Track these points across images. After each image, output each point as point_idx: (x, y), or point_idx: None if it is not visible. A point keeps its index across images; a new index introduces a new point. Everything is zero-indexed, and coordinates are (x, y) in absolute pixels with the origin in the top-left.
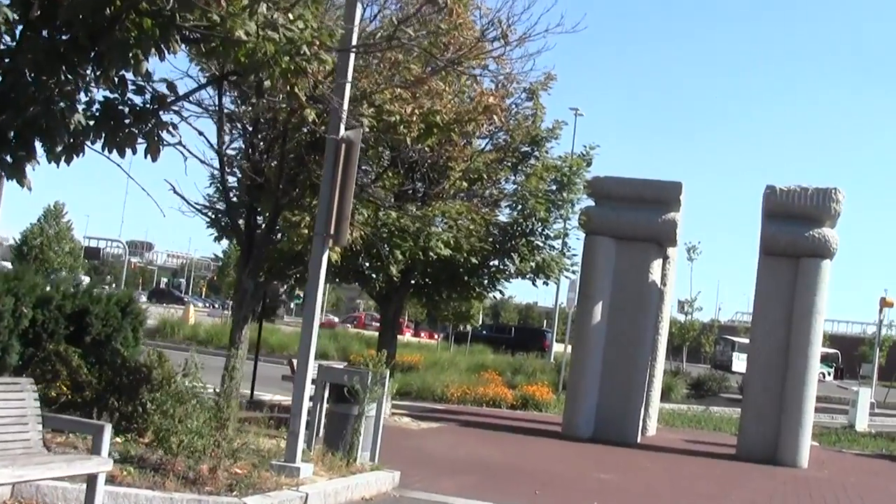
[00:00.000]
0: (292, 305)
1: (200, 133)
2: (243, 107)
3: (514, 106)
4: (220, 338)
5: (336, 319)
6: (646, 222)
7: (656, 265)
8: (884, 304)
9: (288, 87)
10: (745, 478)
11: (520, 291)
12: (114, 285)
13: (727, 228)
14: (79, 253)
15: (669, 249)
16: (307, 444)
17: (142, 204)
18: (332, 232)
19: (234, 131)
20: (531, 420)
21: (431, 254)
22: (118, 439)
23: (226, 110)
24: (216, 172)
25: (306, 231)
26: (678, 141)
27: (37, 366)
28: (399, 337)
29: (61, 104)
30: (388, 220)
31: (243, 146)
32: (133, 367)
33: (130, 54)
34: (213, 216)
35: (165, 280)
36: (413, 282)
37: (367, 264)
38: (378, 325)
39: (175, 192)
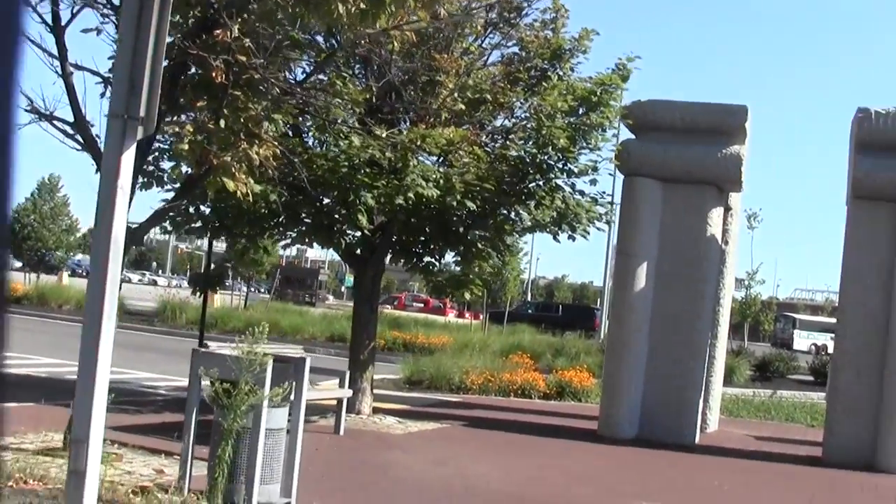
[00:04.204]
0: (343, 288)
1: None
2: None
3: (524, 3)
4: (227, 320)
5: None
6: (701, 158)
7: (715, 215)
8: None
9: None
10: (843, 498)
11: (574, 270)
12: (160, 272)
13: (784, 195)
14: (77, 230)
15: (732, 197)
16: (181, 473)
17: None
18: (140, 113)
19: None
20: (564, 414)
21: (412, 195)
22: None
23: None
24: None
25: (187, 147)
26: (727, 73)
27: None
28: (441, 318)
29: None
30: (350, 148)
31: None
32: None
33: None
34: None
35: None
36: (395, 238)
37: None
38: (417, 304)
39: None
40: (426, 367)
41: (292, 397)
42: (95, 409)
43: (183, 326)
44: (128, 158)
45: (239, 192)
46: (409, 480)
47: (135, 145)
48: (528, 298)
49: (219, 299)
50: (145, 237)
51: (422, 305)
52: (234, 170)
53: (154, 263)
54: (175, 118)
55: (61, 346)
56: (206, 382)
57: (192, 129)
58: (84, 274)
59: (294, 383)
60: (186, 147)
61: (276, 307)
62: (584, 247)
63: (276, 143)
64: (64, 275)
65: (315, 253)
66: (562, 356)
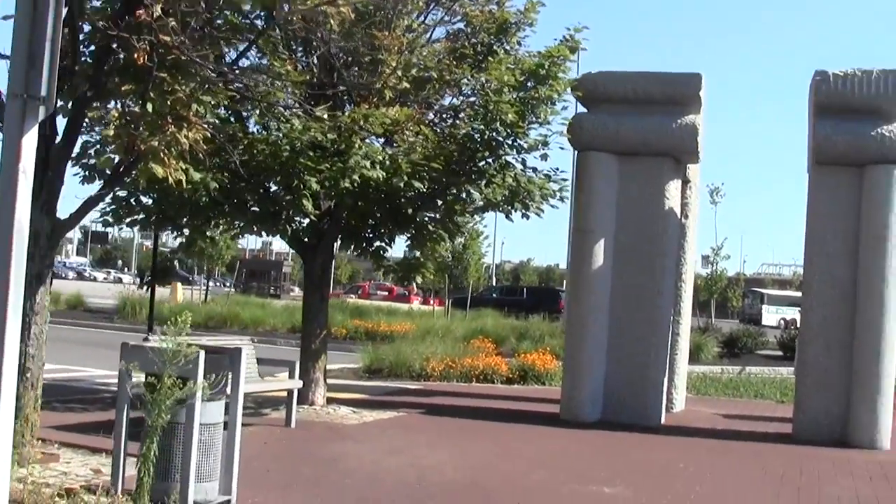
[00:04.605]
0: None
1: None
2: None
3: None
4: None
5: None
6: (656, 130)
7: (673, 189)
8: None
9: None
10: (815, 476)
11: (539, 253)
12: (126, 270)
13: (746, 169)
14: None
15: (690, 169)
16: (113, 473)
17: None
18: (41, 92)
19: None
20: (527, 398)
21: (356, 177)
22: None
23: None
24: None
25: (112, 133)
26: (682, 43)
27: None
28: (406, 305)
29: None
30: (291, 132)
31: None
32: None
33: None
34: None
35: (177, 260)
36: (343, 223)
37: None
38: (381, 292)
39: None
40: (385, 356)
41: (228, 390)
42: (2, 409)
43: (143, 322)
44: (29, 140)
45: (171, 179)
46: (359, 472)
47: (36, 127)
48: (494, 283)
49: (180, 294)
50: (110, 237)
51: (386, 294)
52: (162, 155)
53: (119, 262)
54: (103, 105)
55: None
56: (141, 378)
57: (117, 114)
58: (61, 275)
59: (230, 375)
60: (112, 132)
61: (237, 300)
62: (548, 229)
63: (205, 126)
64: None
65: (280, 245)
66: (526, 339)
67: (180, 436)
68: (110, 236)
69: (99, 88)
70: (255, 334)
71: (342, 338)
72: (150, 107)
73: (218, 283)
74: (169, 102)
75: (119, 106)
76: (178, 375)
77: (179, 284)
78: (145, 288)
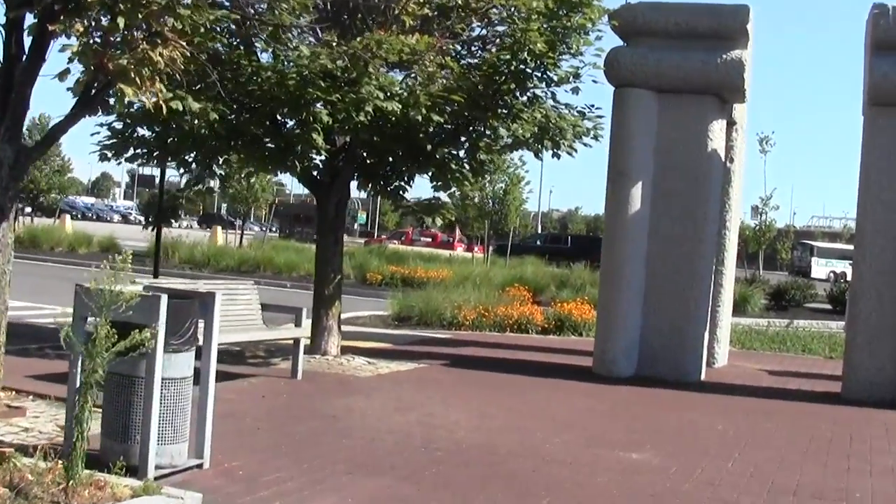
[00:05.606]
0: (356, 226)
1: None
2: None
3: None
4: (220, 258)
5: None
6: (699, 66)
7: (717, 129)
8: None
9: None
10: (866, 442)
11: (588, 202)
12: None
13: (798, 117)
14: (70, 170)
15: (736, 110)
16: (66, 433)
17: None
18: None
19: None
20: (561, 350)
21: (370, 109)
22: None
23: None
24: None
25: (75, 48)
26: None
27: None
28: (448, 252)
29: None
30: (300, 59)
31: None
32: None
33: None
34: None
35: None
36: (360, 161)
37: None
38: (425, 239)
39: None
40: (415, 303)
41: (201, 340)
42: None
43: (175, 266)
44: None
45: (148, 104)
46: (359, 431)
47: None
48: (539, 230)
49: (220, 238)
50: (156, 181)
51: (429, 240)
52: (133, 75)
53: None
54: (70, 19)
55: (41, 290)
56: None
57: (81, 29)
58: (106, 218)
59: (202, 323)
60: (75, 48)
61: (276, 245)
62: (598, 177)
63: (182, 44)
64: (66, 218)
65: None
66: (566, 288)
67: (140, 392)
68: (156, 180)
69: (67, 3)
70: (288, 279)
71: (377, 284)
72: (120, 21)
73: (264, 229)
74: (141, 16)
75: (85, 21)
76: (135, 323)
77: (220, 228)
78: (150, 228)
